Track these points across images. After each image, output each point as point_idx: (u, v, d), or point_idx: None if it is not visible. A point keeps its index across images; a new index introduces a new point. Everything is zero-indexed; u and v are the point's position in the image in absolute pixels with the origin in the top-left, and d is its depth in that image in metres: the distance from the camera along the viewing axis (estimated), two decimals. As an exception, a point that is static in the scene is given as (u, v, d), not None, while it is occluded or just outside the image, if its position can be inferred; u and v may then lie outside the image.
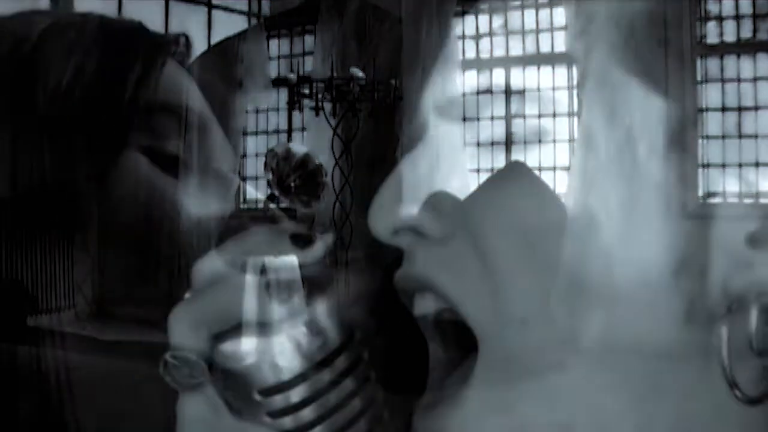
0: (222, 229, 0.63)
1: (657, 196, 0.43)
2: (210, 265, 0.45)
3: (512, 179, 0.48)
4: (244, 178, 6.33)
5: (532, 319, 0.44)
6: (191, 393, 0.44)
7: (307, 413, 0.44)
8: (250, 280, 0.43)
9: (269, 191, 5.15)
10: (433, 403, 0.49)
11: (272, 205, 5.04)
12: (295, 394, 0.44)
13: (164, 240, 0.61)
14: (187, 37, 0.67)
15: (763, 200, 4.61)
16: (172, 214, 0.61)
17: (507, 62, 5.49)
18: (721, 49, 4.73)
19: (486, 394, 0.45)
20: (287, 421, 0.44)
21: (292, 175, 4.94)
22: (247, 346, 0.44)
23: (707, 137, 4.71)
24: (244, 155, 6.29)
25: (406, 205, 0.47)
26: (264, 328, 0.44)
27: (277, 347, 0.44)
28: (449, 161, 0.52)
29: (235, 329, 0.44)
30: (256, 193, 5.79)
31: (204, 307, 0.44)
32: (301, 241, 0.47)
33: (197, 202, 0.62)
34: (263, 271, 0.44)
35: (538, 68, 5.37)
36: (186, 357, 0.43)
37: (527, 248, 0.44)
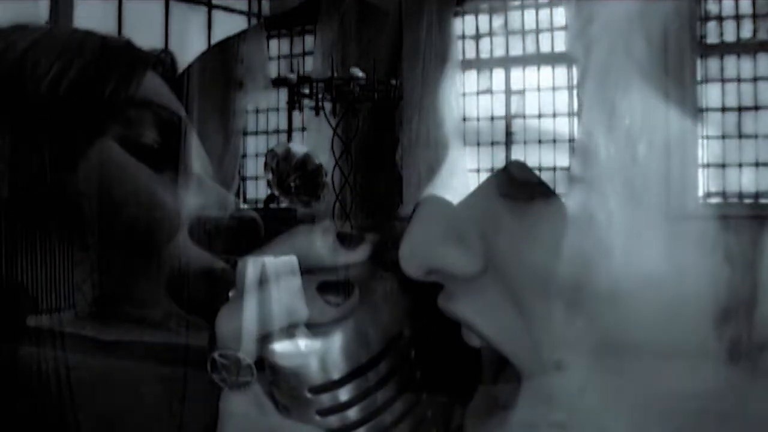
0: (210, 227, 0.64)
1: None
2: (255, 264, 0.44)
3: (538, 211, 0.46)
4: (244, 178, 6.33)
5: (568, 362, 0.43)
6: (239, 391, 0.45)
7: (354, 413, 0.45)
8: (299, 280, 0.44)
9: (269, 191, 5.15)
10: (484, 409, 0.49)
11: (272, 206, 5.04)
12: (343, 394, 0.44)
13: (133, 222, 0.62)
14: (171, 55, 0.69)
15: (763, 200, 4.60)
16: (143, 199, 0.62)
17: (507, 62, 5.49)
18: (721, 49, 4.73)
19: (529, 422, 0.45)
20: (334, 420, 0.45)
21: (292, 175, 4.94)
22: (298, 345, 0.44)
23: (707, 137, 4.71)
24: (244, 155, 6.30)
25: (434, 244, 0.46)
26: (313, 328, 0.44)
27: (326, 347, 0.44)
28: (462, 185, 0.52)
29: (286, 329, 0.44)
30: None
31: (253, 307, 0.44)
32: (348, 241, 0.47)
33: (173, 197, 0.63)
34: (314, 270, 0.44)
35: (538, 68, 5.37)
36: (235, 356, 0.44)
37: (555, 286, 0.43)
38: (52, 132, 0.59)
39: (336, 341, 0.44)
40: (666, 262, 0.41)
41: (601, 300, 0.41)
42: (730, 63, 4.72)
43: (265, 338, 0.44)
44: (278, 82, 5.93)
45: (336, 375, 0.44)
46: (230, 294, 0.46)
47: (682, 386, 0.40)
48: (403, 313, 0.48)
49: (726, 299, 0.40)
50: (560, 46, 5.22)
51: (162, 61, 0.67)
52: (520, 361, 0.45)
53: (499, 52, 5.51)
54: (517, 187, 0.47)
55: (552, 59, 5.29)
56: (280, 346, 0.44)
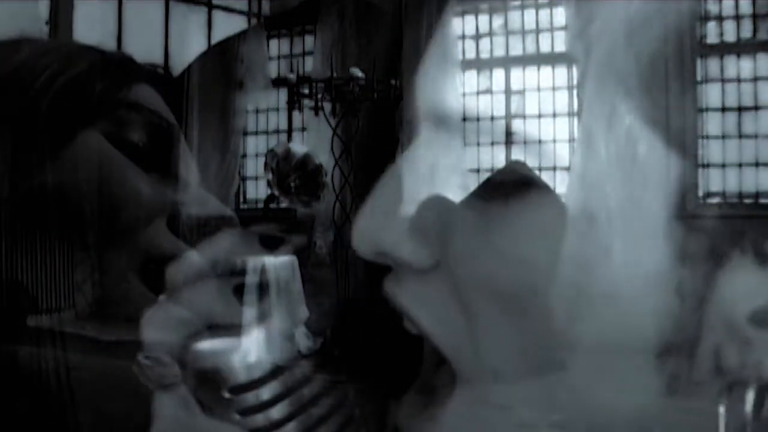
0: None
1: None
2: (184, 267, 0.46)
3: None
4: (244, 178, 6.33)
5: (505, 371, 0.43)
6: (165, 392, 0.45)
7: (278, 411, 0.45)
8: (220, 283, 0.45)
9: (269, 191, 5.15)
10: (419, 401, 0.49)
11: (272, 206, 5.04)
12: (266, 393, 0.45)
13: (109, 204, 0.63)
14: (168, 72, 0.72)
15: (762, 200, 4.61)
16: (122, 183, 0.63)
17: (507, 62, 5.49)
18: (721, 49, 4.73)
19: (460, 421, 0.45)
20: (259, 419, 0.45)
21: (292, 175, 4.94)
22: (216, 346, 0.45)
23: (707, 137, 4.71)
24: (244, 155, 6.30)
25: (389, 227, 0.46)
26: (234, 329, 0.45)
27: (247, 347, 0.45)
28: (440, 172, 0.52)
29: (206, 330, 0.45)
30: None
31: (176, 309, 0.45)
32: (270, 243, 0.48)
33: (154, 191, 0.64)
34: (234, 272, 0.46)
35: (538, 68, 5.37)
36: (158, 357, 0.45)
37: (511, 302, 0.44)
38: (45, 123, 0.60)
39: (254, 341, 0.45)
40: (619, 284, 0.41)
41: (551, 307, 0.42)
42: (730, 63, 4.72)
43: (187, 339, 0.45)
44: (278, 82, 5.92)
45: (256, 374, 0.45)
46: (161, 297, 0.47)
47: (616, 411, 0.41)
48: (326, 312, 0.50)
49: (671, 332, 0.40)
50: (560, 46, 5.22)
51: (159, 76, 0.69)
52: (457, 361, 0.46)
53: (499, 52, 5.51)
54: (492, 188, 0.47)
55: (552, 59, 5.29)
56: (199, 347, 0.45)
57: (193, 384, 0.46)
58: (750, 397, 0.39)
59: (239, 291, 0.46)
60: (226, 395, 0.45)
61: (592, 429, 0.41)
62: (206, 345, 0.45)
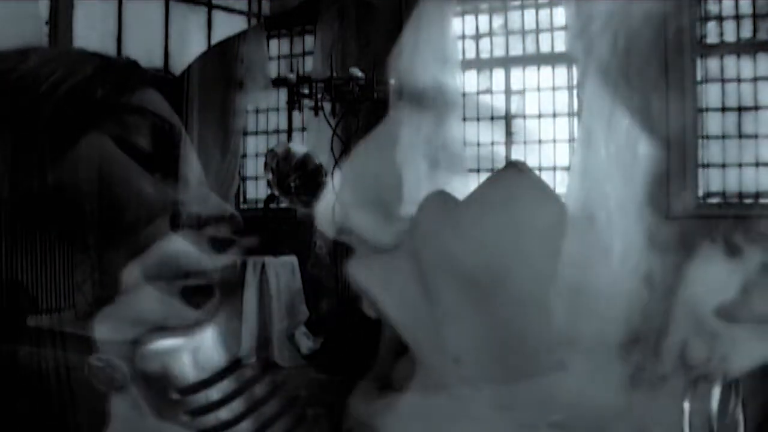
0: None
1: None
2: (137, 269, 0.46)
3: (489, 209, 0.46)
4: (244, 178, 6.33)
5: (466, 360, 0.43)
6: (117, 393, 0.46)
7: (228, 411, 0.45)
8: (167, 285, 0.45)
9: (269, 191, 5.15)
10: (375, 388, 0.49)
11: (272, 206, 5.04)
12: (215, 393, 0.45)
13: (111, 201, 0.63)
14: (171, 74, 0.73)
15: (762, 200, 4.61)
16: (132, 192, 0.63)
17: (507, 62, 5.49)
18: (721, 49, 4.73)
19: (418, 410, 0.45)
20: (209, 419, 0.45)
21: (292, 175, 4.94)
22: (165, 347, 0.45)
23: (707, 137, 4.71)
24: (244, 155, 6.30)
25: (353, 206, 0.47)
26: (182, 330, 0.45)
27: (193, 349, 0.45)
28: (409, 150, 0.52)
29: (153, 332, 0.45)
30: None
31: (125, 311, 0.45)
32: (219, 245, 0.48)
33: (157, 191, 0.64)
34: (181, 275, 0.46)
35: (538, 68, 5.37)
36: (108, 359, 0.45)
37: (474, 288, 0.43)
38: (48, 127, 0.61)
39: (201, 342, 0.46)
40: (587, 273, 0.41)
41: (512, 301, 0.42)
42: (730, 63, 4.72)
43: (136, 341, 0.46)
44: (278, 82, 5.93)
45: (203, 375, 0.46)
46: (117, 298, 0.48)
47: (579, 403, 0.40)
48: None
49: (638, 323, 0.40)
50: (560, 46, 5.21)
51: (164, 80, 0.70)
52: (417, 346, 0.46)
53: (499, 52, 5.51)
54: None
55: (552, 59, 5.29)
56: (147, 349, 0.46)
57: (143, 385, 0.46)
58: (715, 393, 0.38)
59: (183, 293, 0.47)
60: (174, 396, 0.45)
61: (557, 425, 0.41)
62: (155, 346, 0.45)
